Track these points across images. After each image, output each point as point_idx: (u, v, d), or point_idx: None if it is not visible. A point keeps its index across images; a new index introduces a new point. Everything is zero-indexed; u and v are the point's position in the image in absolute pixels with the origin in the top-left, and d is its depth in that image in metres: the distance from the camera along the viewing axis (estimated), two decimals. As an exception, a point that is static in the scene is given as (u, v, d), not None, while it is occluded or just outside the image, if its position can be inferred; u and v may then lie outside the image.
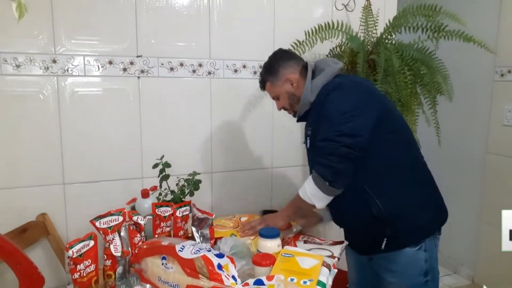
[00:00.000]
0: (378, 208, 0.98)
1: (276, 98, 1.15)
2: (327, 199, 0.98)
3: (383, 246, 1.01)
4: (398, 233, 0.99)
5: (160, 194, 1.23)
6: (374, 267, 1.09)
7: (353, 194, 1.02)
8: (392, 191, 0.98)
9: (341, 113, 0.93)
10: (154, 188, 1.20)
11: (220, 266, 0.81)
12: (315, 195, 0.97)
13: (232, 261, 0.86)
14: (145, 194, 1.15)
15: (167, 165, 1.22)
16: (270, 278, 0.84)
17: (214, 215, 1.08)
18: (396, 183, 0.98)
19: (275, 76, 1.11)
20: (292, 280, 0.87)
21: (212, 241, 1.09)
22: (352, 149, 0.90)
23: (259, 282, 0.83)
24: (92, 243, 0.88)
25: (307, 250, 1.12)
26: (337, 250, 1.17)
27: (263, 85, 1.17)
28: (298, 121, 1.15)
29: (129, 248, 0.95)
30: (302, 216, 1.14)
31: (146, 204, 1.12)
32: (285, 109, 1.16)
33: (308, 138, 1.09)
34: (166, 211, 1.08)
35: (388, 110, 1.00)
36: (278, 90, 1.12)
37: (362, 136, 0.92)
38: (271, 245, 1.04)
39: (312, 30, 1.40)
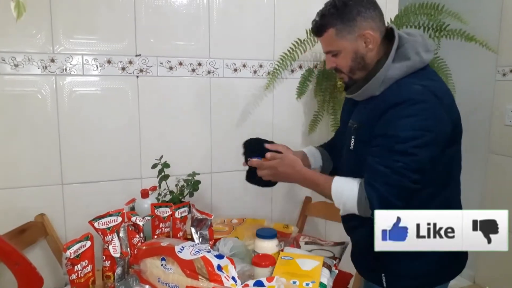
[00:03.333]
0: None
1: (333, 53, 0.87)
2: (352, 213, 0.84)
3: (384, 283, 0.91)
4: (396, 273, 0.90)
5: (159, 194, 1.22)
6: None
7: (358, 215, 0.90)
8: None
9: (410, 140, 0.76)
10: (153, 188, 1.19)
11: (219, 267, 0.81)
12: (346, 206, 0.83)
13: (232, 262, 0.85)
14: (144, 194, 1.15)
15: (166, 165, 1.21)
16: (270, 279, 0.84)
17: (213, 216, 1.08)
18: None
19: (348, 25, 0.82)
20: (294, 282, 0.87)
21: (211, 242, 1.08)
22: (415, 187, 0.78)
23: (259, 283, 0.83)
24: (88, 243, 0.88)
25: (308, 251, 1.12)
26: (338, 251, 1.16)
27: (321, 30, 0.85)
28: (347, 94, 0.92)
29: (128, 249, 0.94)
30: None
31: (146, 204, 1.12)
32: (337, 70, 0.89)
33: (353, 135, 0.89)
34: (165, 211, 1.07)
35: (457, 135, 0.82)
36: (344, 44, 0.83)
37: (426, 170, 0.78)
38: (268, 246, 1.03)
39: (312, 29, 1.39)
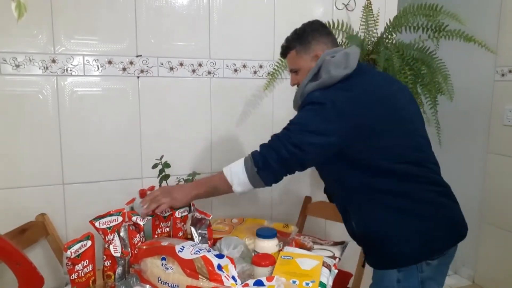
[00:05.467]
0: (351, 226, 0.99)
1: (294, 71, 1.05)
2: (247, 187, 0.94)
3: (364, 261, 1.04)
4: (372, 254, 0.99)
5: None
6: None
7: (339, 205, 1.05)
8: (365, 213, 0.95)
9: (300, 124, 0.91)
10: (151, 188, 1.20)
11: (220, 267, 0.81)
12: (237, 176, 0.94)
13: (232, 262, 0.85)
14: (142, 194, 1.15)
15: (167, 165, 1.22)
16: (270, 278, 0.84)
17: (211, 216, 1.08)
18: (370, 206, 0.93)
19: (305, 47, 1.00)
20: (294, 282, 0.87)
21: (211, 242, 1.08)
22: (292, 159, 0.89)
23: (259, 282, 0.83)
24: (89, 243, 0.88)
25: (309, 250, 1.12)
26: (338, 250, 1.17)
27: (285, 52, 1.06)
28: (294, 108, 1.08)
29: (129, 249, 0.95)
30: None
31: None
32: (298, 86, 1.05)
33: None
34: (165, 211, 1.07)
35: (368, 135, 0.89)
36: (301, 63, 1.01)
37: (308, 154, 0.89)
38: (268, 245, 1.04)
39: (312, 29, 1.39)
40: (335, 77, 0.92)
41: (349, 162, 0.92)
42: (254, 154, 0.94)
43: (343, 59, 0.95)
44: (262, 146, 0.95)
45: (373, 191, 0.92)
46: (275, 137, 0.93)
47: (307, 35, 1.01)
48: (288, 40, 1.05)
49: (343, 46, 1.46)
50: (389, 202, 0.92)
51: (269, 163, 0.91)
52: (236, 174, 0.95)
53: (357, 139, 0.89)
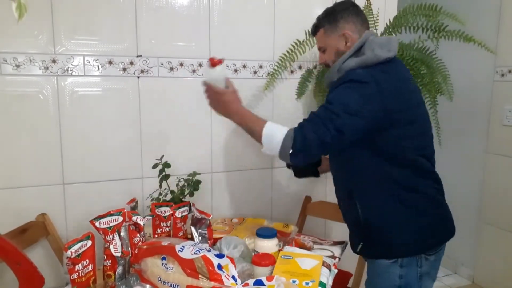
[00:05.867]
0: (356, 212, 0.99)
1: (322, 50, 1.06)
2: (273, 154, 0.94)
3: (358, 249, 1.02)
4: (371, 243, 0.99)
5: (160, 194, 1.23)
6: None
7: (342, 190, 1.05)
8: (374, 201, 0.96)
9: (342, 104, 0.88)
10: (220, 61, 1.02)
11: (220, 266, 0.82)
12: (271, 142, 0.92)
13: (232, 261, 0.86)
14: (214, 62, 1.01)
15: (167, 165, 1.22)
16: (270, 278, 0.85)
17: (211, 216, 1.08)
18: (380, 195, 0.95)
19: (333, 26, 1.01)
20: (294, 282, 0.88)
21: (211, 241, 1.09)
22: (334, 143, 0.88)
23: (259, 282, 0.83)
24: (89, 243, 0.88)
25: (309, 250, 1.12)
26: (337, 250, 1.17)
27: (315, 30, 1.07)
28: (324, 86, 1.12)
29: (129, 248, 0.95)
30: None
31: (214, 72, 1.00)
32: (326, 65, 1.08)
33: None
34: (165, 211, 1.08)
35: (396, 121, 0.91)
36: (329, 42, 1.02)
37: (350, 136, 0.89)
38: (268, 245, 1.04)
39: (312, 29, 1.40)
40: (380, 57, 0.93)
41: (373, 147, 0.92)
42: (296, 135, 0.89)
43: (388, 42, 0.97)
44: (303, 126, 0.90)
45: (388, 182, 0.94)
46: (317, 119, 0.89)
47: (336, 14, 1.02)
48: (318, 18, 1.06)
49: None
50: (400, 195, 0.94)
51: (310, 147, 0.88)
52: (271, 141, 0.92)
53: (390, 122, 0.90)
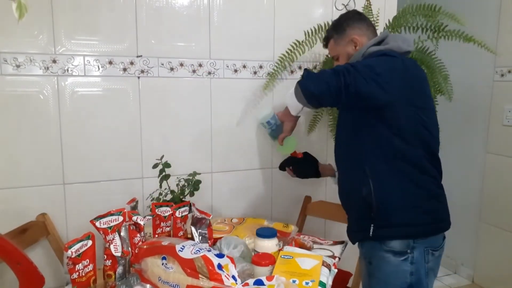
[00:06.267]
0: (369, 189, 0.98)
1: (335, 58, 1.14)
2: (297, 107, 1.05)
3: (370, 233, 1.00)
4: (383, 222, 0.99)
5: (160, 194, 1.23)
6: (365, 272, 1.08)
7: (354, 171, 1.04)
8: (388, 179, 0.98)
9: (366, 66, 0.93)
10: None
11: (220, 266, 0.82)
12: (290, 93, 1.04)
13: (232, 261, 0.86)
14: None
15: (167, 165, 1.22)
16: (270, 278, 0.85)
17: (211, 216, 1.08)
18: (395, 174, 0.97)
19: (341, 35, 1.10)
20: (294, 281, 0.88)
21: (211, 241, 1.09)
22: (348, 77, 0.89)
23: (259, 282, 0.83)
24: (90, 242, 0.88)
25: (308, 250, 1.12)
26: (337, 250, 1.17)
27: (326, 42, 1.16)
28: None
29: (129, 248, 0.95)
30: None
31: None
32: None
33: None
34: (166, 211, 1.08)
35: (411, 97, 0.95)
36: (340, 49, 1.11)
37: (365, 82, 0.90)
38: (268, 245, 1.04)
39: (312, 30, 1.40)
40: (403, 48, 1.02)
41: (390, 123, 0.95)
42: (306, 75, 0.98)
43: (408, 38, 1.05)
44: (318, 72, 0.98)
45: (402, 160, 0.96)
46: (337, 67, 0.93)
47: (342, 24, 1.11)
48: (327, 31, 1.16)
49: None
50: (412, 175, 0.97)
51: (321, 75, 0.94)
52: (290, 92, 1.04)
53: (407, 100, 0.94)
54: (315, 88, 0.94)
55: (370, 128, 0.97)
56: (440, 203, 1.02)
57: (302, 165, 1.32)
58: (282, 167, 1.34)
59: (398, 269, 0.97)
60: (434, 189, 1.00)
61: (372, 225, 0.99)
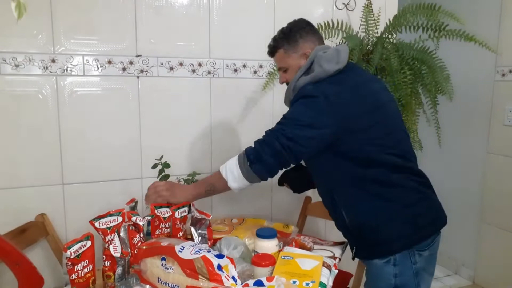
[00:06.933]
0: (342, 218, 0.99)
1: (283, 69, 1.07)
2: (242, 182, 0.97)
3: (352, 254, 1.03)
4: (363, 244, 0.99)
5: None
6: None
7: (326, 198, 1.05)
8: (357, 203, 0.97)
9: (294, 119, 0.93)
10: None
11: (220, 267, 0.81)
12: (232, 172, 0.97)
13: (232, 262, 0.85)
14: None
15: (167, 165, 1.22)
16: (270, 279, 0.84)
17: (211, 216, 1.08)
18: (360, 196, 0.96)
19: (293, 46, 1.03)
20: (294, 282, 0.87)
21: (210, 242, 1.08)
22: (286, 152, 0.91)
23: (259, 283, 0.83)
24: (89, 243, 0.88)
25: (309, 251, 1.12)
26: (338, 250, 1.17)
27: (273, 51, 1.07)
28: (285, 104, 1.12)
29: (129, 249, 0.95)
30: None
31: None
32: (288, 84, 1.08)
33: None
34: (165, 212, 1.07)
35: (357, 127, 0.92)
36: (290, 61, 1.04)
37: (302, 147, 0.92)
38: (268, 246, 1.04)
39: (312, 29, 1.39)
40: (328, 71, 0.96)
41: (340, 154, 0.95)
42: (247, 149, 0.97)
43: (335, 55, 0.99)
44: (256, 141, 0.98)
45: (364, 182, 0.95)
46: (268, 132, 0.96)
47: (294, 34, 1.03)
48: (275, 39, 1.06)
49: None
50: (380, 192, 0.95)
51: (262, 156, 0.93)
52: (231, 170, 0.97)
53: (347, 131, 0.93)
54: (267, 172, 0.95)
55: (328, 159, 0.97)
56: (421, 208, 0.97)
57: (294, 181, 1.26)
58: (280, 183, 1.30)
59: (382, 271, 0.97)
60: (407, 198, 0.96)
61: (354, 247, 1.01)
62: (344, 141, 0.93)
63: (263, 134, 0.98)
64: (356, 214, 0.97)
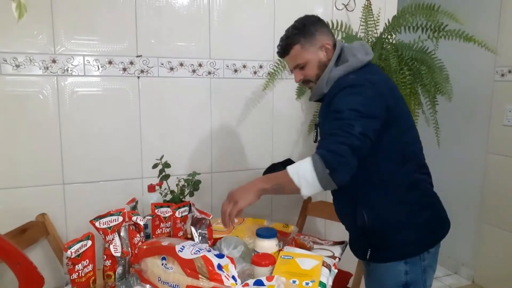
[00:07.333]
0: (363, 219, 0.98)
1: (300, 66, 1.01)
2: (317, 189, 0.85)
3: (367, 257, 1.01)
4: (380, 247, 0.99)
5: (160, 193, 1.23)
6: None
7: (345, 199, 1.03)
8: (379, 206, 0.96)
9: (354, 110, 0.86)
10: (160, 184, 1.21)
11: (220, 267, 0.81)
12: (306, 179, 0.84)
13: (232, 261, 0.85)
14: (151, 188, 1.16)
15: (167, 165, 1.22)
16: (270, 278, 0.84)
17: (211, 216, 1.08)
18: (385, 199, 0.95)
19: (309, 40, 0.97)
20: (294, 282, 0.87)
21: (211, 241, 1.08)
22: (364, 146, 0.85)
23: (259, 282, 0.83)
24: (89, 243, 0.88)
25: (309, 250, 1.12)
26: (338, 250, 1.17)
27: (287, 49, 1.00)
28: (310, 99, 1.08)
29: (129, 249, 0.95)
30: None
31: (151, 199, 1.13)
32: (305, 82, 1.03)
33: (315, 129, 1.08)
34: (166, 211, 1.08)
35: (394, 118, 0.91)
36: (309, 56, 0.98)
37: (369, 138, 0.86)
38: (268, 245, 1.04)
39: (312, 30, 1.39)
40: (362, 60, 0.96)
41: (380, 149, 0.91)
42: (322, 154, 0.84)
43: (361, 47, 0.99)
44: (324, 146, 0.85)
45: (391, 183, 0.94)
46: (336, 131, 0.85)
47: (309, 28, 0.99)
48: (288, 37, 1.01)
49: None
50: (402, 195, 0.95)
51: (345, 158, 0.82)
52: (304, 177, 0.85)
53: (392, 121, 0.90)
54: (351, 176, 0.85)
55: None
56: (433, 211, 0.99)
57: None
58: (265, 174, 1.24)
59: (392, 269, 0.97)
60: (426, 201, 0.98)
61: (369, 249, 1.00)
62: (386, 133, 0.90)
63: (324, 138, 0.89)
64: (378, 219, 0.96)
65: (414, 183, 0.96)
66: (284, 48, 1.02)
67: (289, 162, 1.17)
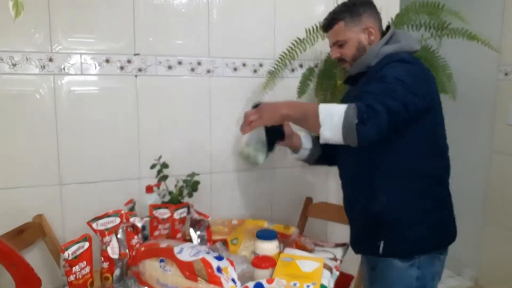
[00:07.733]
0: (380, 205, 0.94)
1: (340, 44, 1.01)
2: (336, 135, 0.82)
3: (380, 250, 0.96)
4: (392, 240, 0.96)
5: (158, 195, 1.21)
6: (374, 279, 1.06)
7: (363, 185, 0.99)
8: (398, 195, 0.94)
9: (398, 79, 0.84)
10: (158, 185, 1.19)
11: (219, 269, 0.80)
12: (332, 119, 0.81)
13: (232, 264, 0.84)
14: (149, 189, 1.15)
15: (165, 165, 1.20)
16: (270, 281, 0.83)
17: (210, 217, 1.07)
18: (404, 189, 0.93)
19: (355, 19, 0.98)
20: (295, 284, 0.86)
21: (210, 243, 1.07)
22: (400, 113, 0.82)
23: (259, 285, 0.82)
24: (87, 244, 0.87)
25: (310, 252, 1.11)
26: (339, 252, 1.15)
27: (331, 23, 1.01)
28: (345, 82, 1.08)
29: (127, 250, 0.94)
30: (289, 132, 1.05)
31: (149, 200, 1.11)
32: (342, 60, 1.03)
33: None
34: (164, 213, 1.06)
35: (434, 107, 0.92)
36: (351, 35, 0.98)
37: (408, 111, 0.83)
38: (268, 247, 1.03)
39: (313, 27, 1.38)
40: (413, 47, 0.98)
41: (412, 137, 0.90)
42: (358, 104, 0.81)
43: (414, 37, 1.02)
44: (363, 99, 0.83)
45: (421, 175, 0.93)
46: (379, 91, 0.83)
47: (358, 8, 0.99)
48: (335, 12, 1.02)
49: None
50: (431, 188, 0.94)
51: (379, 115, 0.80)
52: (331, 117, 0.82)
53: (429, 107, 0.90)
54: (377, 134, 0.82)
55: (390, 144, 0.90)
56: (450, 210, 1.00)
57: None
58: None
59: (404, 274, 0.95)
60: (445, 198, 0.99)
61: (382, 241, 0.95)
62: (422, 119, 0.89)
63: (368, 92, 0.85)
64: (394, 206, 0.93)
65: (440, 179, 0.97)
66: (329, 22, 1.02)
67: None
